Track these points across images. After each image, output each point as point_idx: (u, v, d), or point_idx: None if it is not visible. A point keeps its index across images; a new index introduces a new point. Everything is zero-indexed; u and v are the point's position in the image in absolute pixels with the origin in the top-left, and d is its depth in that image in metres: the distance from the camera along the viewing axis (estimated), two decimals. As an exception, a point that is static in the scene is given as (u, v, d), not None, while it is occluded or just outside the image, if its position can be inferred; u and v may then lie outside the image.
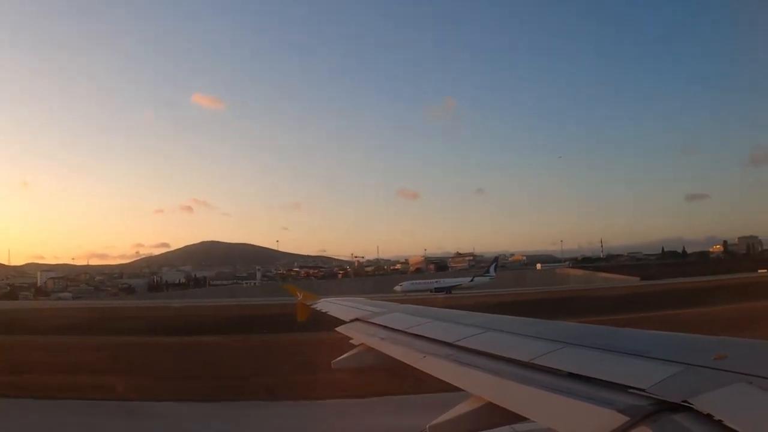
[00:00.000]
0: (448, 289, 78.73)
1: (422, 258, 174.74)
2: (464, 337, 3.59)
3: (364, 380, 14.02)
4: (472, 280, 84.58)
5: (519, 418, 2.36)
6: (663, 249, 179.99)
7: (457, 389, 2.83)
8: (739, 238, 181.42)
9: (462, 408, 2.67)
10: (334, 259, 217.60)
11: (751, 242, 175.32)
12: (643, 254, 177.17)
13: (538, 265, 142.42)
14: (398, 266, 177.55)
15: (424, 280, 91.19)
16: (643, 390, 2.02)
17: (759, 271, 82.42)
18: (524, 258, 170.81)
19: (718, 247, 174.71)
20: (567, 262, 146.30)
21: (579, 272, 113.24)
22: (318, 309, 8.05)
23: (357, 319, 5.63)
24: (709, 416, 1.68)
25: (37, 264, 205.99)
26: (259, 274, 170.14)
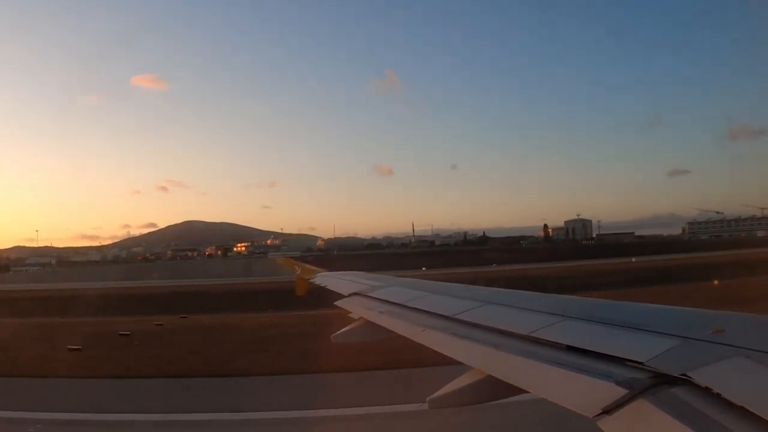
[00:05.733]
0: None
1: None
2: (463, 310, 3.60)
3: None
4: None
5: (518, 391, 2.38)
6: (465, 236, 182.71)
7: (457, 362, 2.85)
8: (565, 221, 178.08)
9: (461, 381, 2.69)
10: (319, 237, 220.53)
11: (572, 227, 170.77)
12: (450, 241, 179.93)
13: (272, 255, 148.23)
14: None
15: None
16: (641, 363, 2.02)
17: (422, 268, 76.46)
18: (323, 243, 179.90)
19: (541, 233, 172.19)
20: (316, 250, 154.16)
21: (291, 262, 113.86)
22: (316, 283, 8.10)
23: (356, 293, 5.67)
24: (707, 389, 1.69)
25: (24, 247, 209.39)
26: (53, 260, 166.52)
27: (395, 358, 13.42)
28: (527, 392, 2.32)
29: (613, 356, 2.19)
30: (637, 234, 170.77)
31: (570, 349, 2.44)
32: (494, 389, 2.54)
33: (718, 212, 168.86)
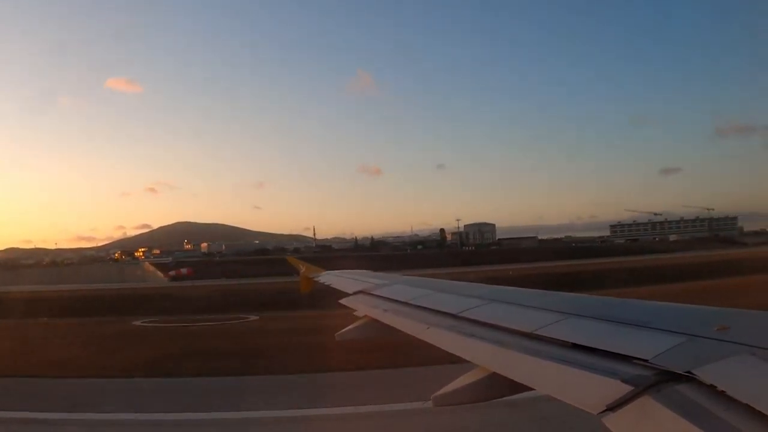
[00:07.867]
0: None
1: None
2: (468, 308, 3.60)
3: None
4: None
5: (523, 389, 2.38)
6: (356, 240, 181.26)
7: (461, 360, 2.86)
8: (465, 225, 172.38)
9: (466, 379, 2.69)
10: (311, 238, 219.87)
11: (467, 231, 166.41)
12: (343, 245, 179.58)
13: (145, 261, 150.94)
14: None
15: None
16: (646, 360, 2.02)
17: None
18: (225, 250, 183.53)
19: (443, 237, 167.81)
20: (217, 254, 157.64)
21: (151, 268, 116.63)
22: (321, 281, 8.10)
23: (361, 291, 5.66)
24: (712, 387, 1.69)
25: (18, 249, 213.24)
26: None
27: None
28: (532, 390, 2.32)
29: (618, 354, 2.19)
30: (567, 236, 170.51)
31: (575, 346, 2.44)
32: (499, 387, 2.54)
33: (656, 213, 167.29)
